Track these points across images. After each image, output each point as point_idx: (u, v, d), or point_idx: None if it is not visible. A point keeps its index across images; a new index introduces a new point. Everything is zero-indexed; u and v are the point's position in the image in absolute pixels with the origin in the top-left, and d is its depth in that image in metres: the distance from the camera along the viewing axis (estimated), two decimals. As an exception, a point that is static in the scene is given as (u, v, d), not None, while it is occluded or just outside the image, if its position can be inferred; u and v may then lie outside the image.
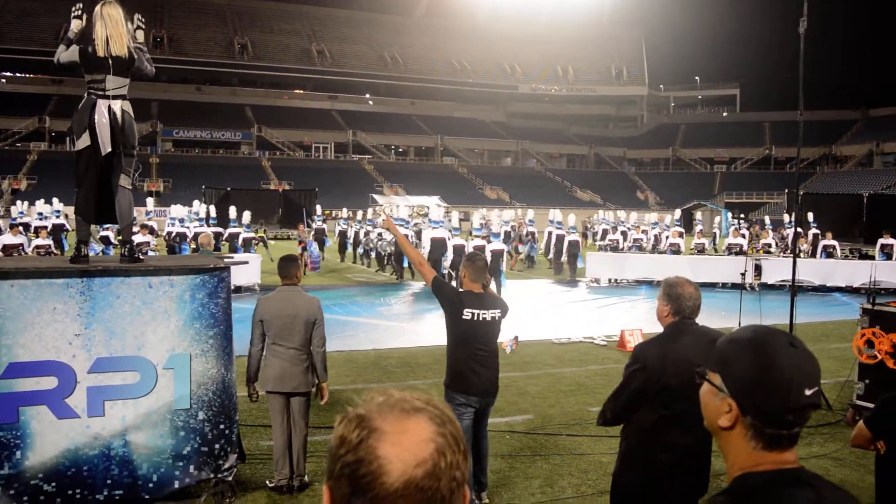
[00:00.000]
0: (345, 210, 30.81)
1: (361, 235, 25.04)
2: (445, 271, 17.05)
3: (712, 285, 19.71)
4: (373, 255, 23.79)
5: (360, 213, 28.14)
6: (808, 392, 1.47)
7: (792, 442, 1.50)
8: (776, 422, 1.47)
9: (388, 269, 22.18)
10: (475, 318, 5.00)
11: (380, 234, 22.96)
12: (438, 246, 18.05)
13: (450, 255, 17.61)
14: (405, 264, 20.25)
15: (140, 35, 5.34)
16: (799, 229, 22.80)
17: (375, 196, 52.35)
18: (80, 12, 5.24)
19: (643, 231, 25.14)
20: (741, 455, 1.51)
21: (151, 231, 20.34)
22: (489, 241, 18.36)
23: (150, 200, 25.47)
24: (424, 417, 1.05)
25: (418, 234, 21.68)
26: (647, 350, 3.65)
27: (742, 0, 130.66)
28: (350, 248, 26.38)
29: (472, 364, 5.04)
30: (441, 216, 21.20)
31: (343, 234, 27.12)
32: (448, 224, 19.56)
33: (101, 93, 5.14)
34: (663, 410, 3.56)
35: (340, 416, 1.09)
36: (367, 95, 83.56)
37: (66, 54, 5.11)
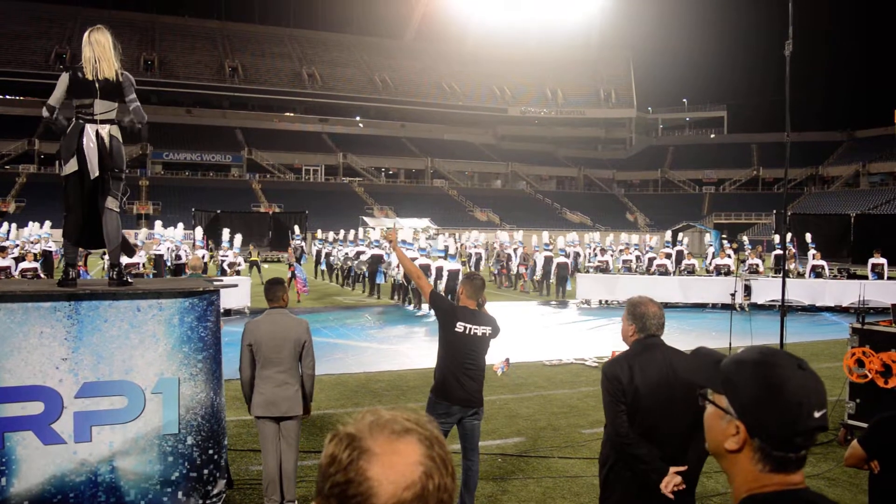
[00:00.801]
0: (319, 231, 31.52)
1: (334, 255, 26.71)
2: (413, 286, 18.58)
3: (703, 306, 19.78)
4: (340, 272, 26.03)
5: (331, 235, 29.65)
6: (816, 414, 1.45)
7: (800, 464, 1.48)
8: (785, 444, 1.45)
9: (358, 287, 23.86)
10: (467, 331, 5.28)
11: (346, 254, 24.58)
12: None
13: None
14: (378, 281, 21.90)
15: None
16: (793, 249, 23.02)
17: (366, 218, 52.40)
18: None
19: (632, 252, 25.20)
20: (748, 477, 1.49)
21: (158, 261, 20.24)
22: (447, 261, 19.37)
23: (157, 223, 25.19)
24: (414, 439, 1.06)
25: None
26: (616, 366, 3.69)
27: (728, 23, 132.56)
28: (324, 267, 28.36)
29: (458, 374, 5.28)
30: (411, 237, 22.64)
31: (319, 254, 29.25)
32: (416, 245, 20.69)
33: (88, 117, 5.13)
34: (636, 427, 3.59)
35: (331, 433, 1.09)
36: (358, 118, 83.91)
37: (56, 91, 5.07)
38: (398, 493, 1.00)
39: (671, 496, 3.51)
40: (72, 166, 5.13)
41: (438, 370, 5.37)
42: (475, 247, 30.39)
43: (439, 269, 18.40)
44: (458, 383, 5.25)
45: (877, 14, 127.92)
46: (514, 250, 25.86)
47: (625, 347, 3.87)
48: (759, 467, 1.47)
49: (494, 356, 5.40)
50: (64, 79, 5.09)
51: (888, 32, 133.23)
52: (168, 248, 21.36)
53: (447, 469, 1.05)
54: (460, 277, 19.37)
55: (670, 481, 3.53)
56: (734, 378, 1.51)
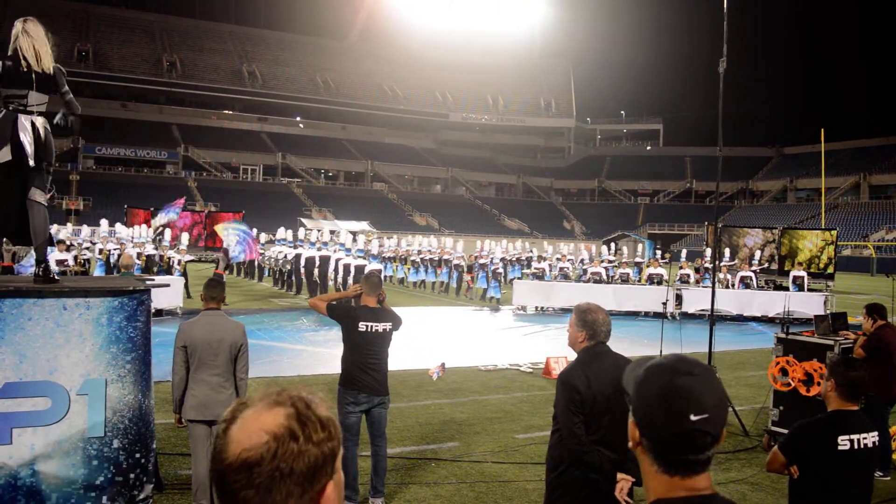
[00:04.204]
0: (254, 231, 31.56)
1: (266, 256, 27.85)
2: (331, 282, 20.20)
3: (635, 314, 20.17)
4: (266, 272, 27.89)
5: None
6: (694, 418, 1.47)
7: (697, 469, 1.50)
8: (664, 445, 1.50)
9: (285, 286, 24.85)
10: (369, 329, 5.65)
11: (285, 255, 24.95)
12: (324, 262, 20.97)
13: (340, 271, 19.90)
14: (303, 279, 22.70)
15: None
16: (733, 262, 23.67)
17: (304, 220, 51.86)
18: None
19: (569, 259, 25.46)
20: (652, 480, 1.53)
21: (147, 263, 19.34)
22: (369, 262, 19.81)
23: (113, 225, 23.23)
24: (281, 411, 1.19)
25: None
26: (573, 376, 3.76)
27: (666, 38, 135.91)
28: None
29: (362, 367, 5.64)
30: (327, 238, 23.36)
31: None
32: (333, 245, 21.78)
33: (21, 108, 4.98)
34: (591, 434, 3.68)
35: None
36: (298, 118, 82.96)
37: None
38: (238, 452, 1.15)
39: (625, 501, 3.60)
40: (4, 155, 4.96)
41: (344, 364, 5.73)
42: (429, 252, 28.23)
43: (360, 268, 18.94)
44: (362, 375, 5.62)
45: (807, 37, 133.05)
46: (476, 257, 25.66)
47: (561, 353, 3.92)
48: (655, 468, 1.52)
49: (430, 361, 5.44)
50: None
51: (817, 54, 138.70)
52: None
53: (297, 441, 1.16)
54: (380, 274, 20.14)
55: (624, 487, 3.62)
56: (631, 378, 1.61)
